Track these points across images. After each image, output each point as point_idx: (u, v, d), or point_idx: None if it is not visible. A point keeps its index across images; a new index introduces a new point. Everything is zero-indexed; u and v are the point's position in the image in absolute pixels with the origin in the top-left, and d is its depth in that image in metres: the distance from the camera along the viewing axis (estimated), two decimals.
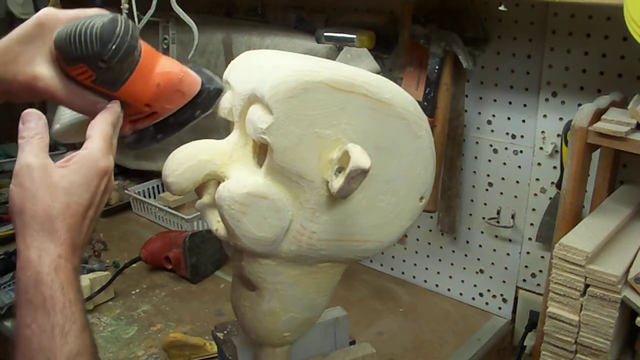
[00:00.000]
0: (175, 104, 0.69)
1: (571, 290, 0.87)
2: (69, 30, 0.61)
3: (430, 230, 1.43)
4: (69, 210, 0.58)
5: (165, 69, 0.68)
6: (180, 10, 1.41)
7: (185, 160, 0.68)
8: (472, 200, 1.34)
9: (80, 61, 0.61)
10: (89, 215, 0.61)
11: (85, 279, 1.33)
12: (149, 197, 1.88)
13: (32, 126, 0.59)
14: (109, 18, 0.62)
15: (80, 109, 0.68)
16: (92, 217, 0.62)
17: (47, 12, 0.65)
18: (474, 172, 1.32)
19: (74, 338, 0.55)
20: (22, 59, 0.64)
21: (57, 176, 0.58)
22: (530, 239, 1.27)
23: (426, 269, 1.47)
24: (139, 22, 1.46)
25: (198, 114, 0.70)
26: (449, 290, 1.44)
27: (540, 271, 1.27)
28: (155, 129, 0.71)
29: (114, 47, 0.61)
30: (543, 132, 1.19)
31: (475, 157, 1.31)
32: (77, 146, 0.63)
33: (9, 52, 0.64)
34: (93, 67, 0.62)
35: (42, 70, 0.64)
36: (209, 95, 0.70)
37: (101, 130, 0.63)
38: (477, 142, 1.29)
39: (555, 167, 1.19)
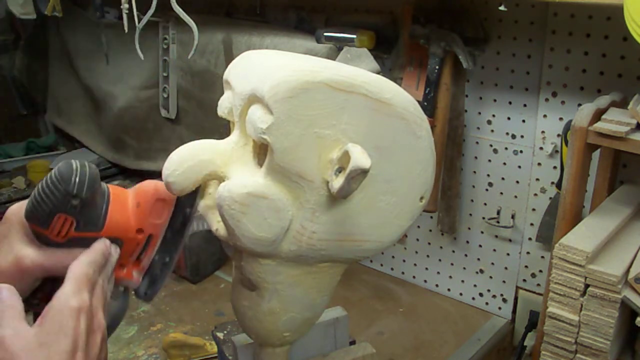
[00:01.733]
0: (163, 215, 0.69)
1: (571, 290, 0.87)
2: (31, 197, 0.60)
3: (430, 230, 1.43)
4: None
5: (136, 188, 0.68)
6: (180, 10, 1.41)
7: (186, 160, 0.67)
8: (472, 200, 1.34)
9: (55, 211, 0.60)
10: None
11: None
12: None
13: (3, 298, 0.57)
14: (61, 163, 0.61)
15: None
16: None
17: (11, 208, 0.64)
18: (474, 172, 1.32)
19: None
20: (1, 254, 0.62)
21: (31, 336, 0.55)
22: (530, 239, 1.27)
23: (426, 269, 1.47)
24: (139, 22, 1.47)
25: (189, 212, 0.69)
26: (449, 290, 1.44)
27: (540, 271, 1.27)
28: (160, 255, 0.70)
29: (77, 179, 0.60)
30: (543, 132, 1.19)
31: (475, 157, 1.31)
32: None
33: None
34: (69, 210, 0.61)
35: (22, 250, 0.62)
36: None
37: (73, 272, 0.60)
38: (477, 142, 1.29)
39: (555, 167, 1.19)
